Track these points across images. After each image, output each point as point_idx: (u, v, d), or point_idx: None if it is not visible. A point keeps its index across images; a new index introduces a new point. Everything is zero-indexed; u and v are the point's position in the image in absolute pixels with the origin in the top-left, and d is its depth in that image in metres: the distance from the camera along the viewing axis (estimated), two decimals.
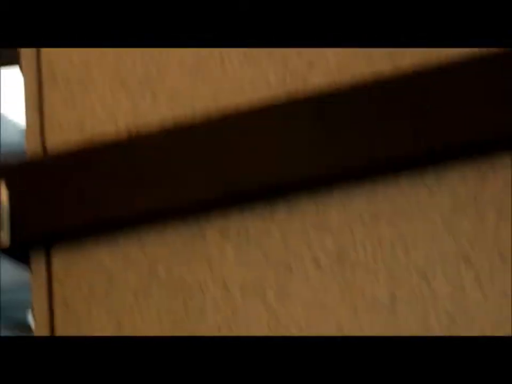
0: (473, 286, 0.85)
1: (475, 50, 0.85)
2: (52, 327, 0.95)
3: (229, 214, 0.94)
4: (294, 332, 0.89)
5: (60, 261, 0.97)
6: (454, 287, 0.86)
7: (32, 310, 0.98)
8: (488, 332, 0.83)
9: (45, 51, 0.98)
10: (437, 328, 0.85)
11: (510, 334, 0.83)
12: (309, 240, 0.91)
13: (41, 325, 0.96)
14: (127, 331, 0.93)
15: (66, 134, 0.99)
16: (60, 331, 0.95)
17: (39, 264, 0.98)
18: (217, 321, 0.92)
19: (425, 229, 0.88)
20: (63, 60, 0.99)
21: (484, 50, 0.85)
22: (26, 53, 1.00)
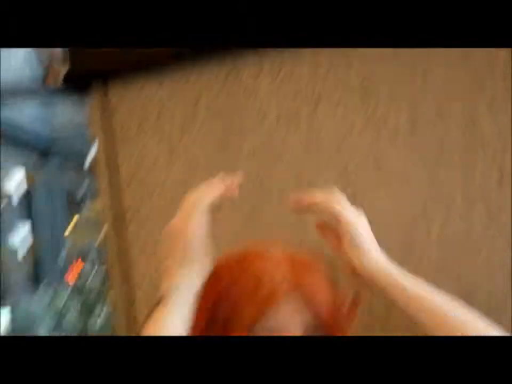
0: (485, 115, 0.92)
1: None
2: (110, 153, 1.08)
3: (262, 52, 1.01)
4: (324, 156, 0.99)
5: (116, 91, 1.08)
6: (468, 114, 0.93)
7: (91, 138, 1.09)
8: (498, 156, 0.93)
9: None
10: (452, 154, 0.93)
11: None
12: (335, 76, 0.99)
13: (100, 152, 1.09)
14: (178, 152, 1.06)
15: None
16: (119, 158, 1.08)
17: (97, 93, 1.09)
18: (254, 144, 1.02)
19: (442, 59, 0.94)
20: None
21: None
22: None
